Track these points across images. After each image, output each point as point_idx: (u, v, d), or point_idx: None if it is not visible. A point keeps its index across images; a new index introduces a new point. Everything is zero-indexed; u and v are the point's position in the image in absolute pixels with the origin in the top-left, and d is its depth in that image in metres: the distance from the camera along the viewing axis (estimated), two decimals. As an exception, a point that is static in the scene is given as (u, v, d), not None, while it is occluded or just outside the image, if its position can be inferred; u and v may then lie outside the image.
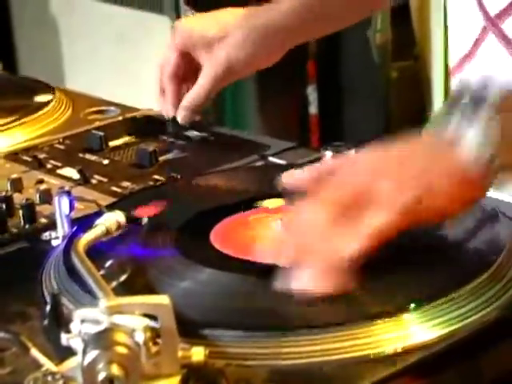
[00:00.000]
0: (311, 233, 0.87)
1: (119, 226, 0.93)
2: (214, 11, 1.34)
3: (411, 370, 0.77)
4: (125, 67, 3.29)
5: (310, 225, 0.87)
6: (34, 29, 3.80)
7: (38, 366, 0.76)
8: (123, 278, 0.88)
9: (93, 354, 0.69)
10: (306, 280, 0.83)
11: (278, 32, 1.28)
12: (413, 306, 0.80)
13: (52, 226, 1.01)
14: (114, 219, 0.93)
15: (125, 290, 0.85)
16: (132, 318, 0.73)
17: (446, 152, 0.88)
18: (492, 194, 0.95)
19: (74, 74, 3.60)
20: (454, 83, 1.28)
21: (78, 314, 0.74)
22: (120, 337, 0.70)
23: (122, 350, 0.69)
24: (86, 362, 0.69)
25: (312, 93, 3.04)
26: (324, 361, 0.77)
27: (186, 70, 1.29)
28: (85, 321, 0.73)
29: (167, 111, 1.29)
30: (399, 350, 0.77)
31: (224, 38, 1.26)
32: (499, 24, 1.15)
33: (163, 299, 0.74)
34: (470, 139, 0.87)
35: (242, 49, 1.26)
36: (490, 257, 0.86)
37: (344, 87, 3.10)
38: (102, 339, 0.70)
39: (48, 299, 0.85)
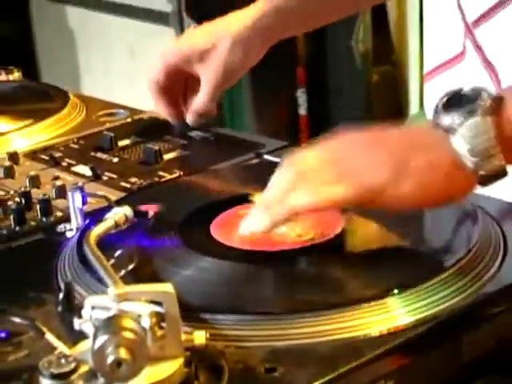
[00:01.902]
0: (274, 189, 0.86)
1: (127, 220, 0.91)
2: (204, 24, 1.32)
3: (396, 351, 0.74)
4: (135, 75, 3.28)
5: (274, 183, 0.87)
6: (54, 41, 3.78)
7: (53, 349, 0.74)
8: (131, 266, 0.86)
9: (102, 338, 0.66)
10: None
11: (262, 32, 1.25)
12: (396, 291, 0.78)
13: (66, 219, 0.99)
14: (122, 213, 0.91)
15: (132, 278, 0.83)
16: (139, 304, 0.70)
17: (437, 141, 0.83)
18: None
19: (90, 83, 3.59)
20: (428, 88, 1.26)
21: (89, 301, 0.71)
22: (127, 322, 0.68)
23: (129, 335, 0.67)
24: (96, 346, 0.66)
25: (301, 95, 3.06)
26: (316, 342, 0.75)
27: (174, 83, 1.27)
28: (95, 307, 0.71)
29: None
30: (384, 332, 0.75)
31: (215, 48, 1.24)
32: (473, 32, 1.13)
33: (167, 287, 0.71)
34: (468, 128, 0.81)
35: (234, 53, 1.24)
36: (465, 247, 0.84)
37: (330, 90, 3.11)
38: (111, 325, 0.67)
39: (62, 287, 0.83)
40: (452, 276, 0.80)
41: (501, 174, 0.82)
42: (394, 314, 0.77)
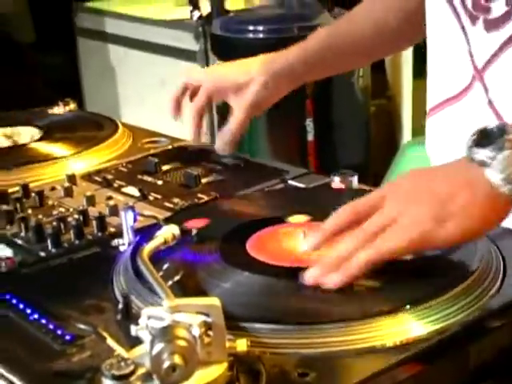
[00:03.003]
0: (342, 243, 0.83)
1: (174, 237, 0.89)
2: (237, 61, 1.32)
3: (410, 360, 0.73)
4: (166, 106, 3.28)
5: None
6: (97, 76, 3.79)
7: (112, 351, 0.73)
8: (178, 278, 0.84)
9: (159, 346, 0.65)
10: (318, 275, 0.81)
11: (290, 74, 1.27)
12: (410, 306, 0.76)
13: (119, 234, 0.97)
14: (170, 231, 0.89)
15: (178, 289, 0.81)
16: (189, 315, 0.69)
17: (474, 176, 0.83)
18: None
19: (127, 112, 3.58)
20: (430, 122, 1.25)
21: (146, 312, 0.70)
22: (180, 332, 0.67)
23: (182, 343, 0.66)
24: (153, 353, 0.65)
25: (309, 124, 3.07)
26: (341, 350, 0.73)
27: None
28: (151, 317, 0.70)
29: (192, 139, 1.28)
30: (400, 343, 0.74)
31: (250, 82, 1.24)
32: (483, 75, 1.11)
33: (214, 301, 0.71)
34: (499, 162, 0.81)
35: (265, 89, 1.24)
36: (470, 268, 0.83)
37: (335, 120, 3.12)
38: (166, 334, 0.66)
39: (119, 297, 0.81)
40: (459, 294, 0.79)
41: None
42: (408, 326, 0.75)
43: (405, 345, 0.74)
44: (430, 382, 0.75)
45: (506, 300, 0.80)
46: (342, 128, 3.13)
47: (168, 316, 0.69)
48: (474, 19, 1.10)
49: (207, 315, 0.70)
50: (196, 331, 0.68)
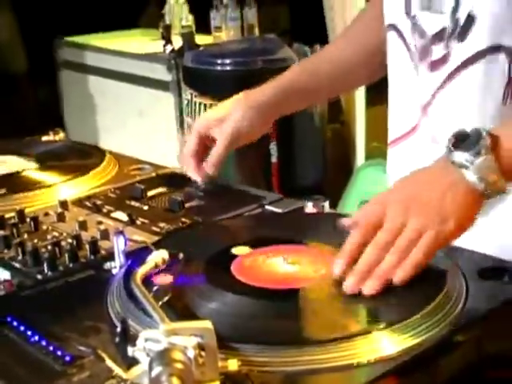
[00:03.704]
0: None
1: (164, 261, 0.87)
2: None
3: (387, 375, 0.71)
4: (143, 132, 3.25)
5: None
6: (78, 105, 3.75)
7: (110, 371, 0.70)
8: (167, 299, 0.82)
9: (157, 369, 0.63)
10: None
11: (266, 109, 1.25)
12: (384, 325, 0.75)
13: (110, 257, 0.94)
14: (160, 256, 0.87)
15: (169, 309, 0.78)
16: (184, 338, 0.67)
17: (455, 177, 0.87)
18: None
19: (106, 139, 3.54)
20: (391, 154, 1.24)
21: (143, 335, 0.68)
22: (177, 355, 0.65)
23: (179, 365, 0.64)
24: (152, 375, 0.63)
25: (273, 147, 3.07)
26: (322, 367, 0.72)
27: (202, 148, 1.24)
28: (148, 339, 0.68)
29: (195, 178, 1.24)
30: (377, 360, 0.73)
31: (228, 116, 1.23)
32: (427, 112, 1.12)
33: (207, 324, 0.69)
34: (476, 165, 0.86)
35: (242, 123, 1.23)
36: (440, 286, 0.82)
37: (295, 142, 3.13)
38: (164, 357, 0.64)
39: (115, 319, 0.79)
40: (429, 313, 0.78)
41: (502, 191, 0.89)
42: (384, 344, 0.74)
43: (383, 361, 0.72)
44: (404, 396, 0.73)
45: (470, 316, 0.79)
46: (301, 151, 3.14)
47: (164, 339, 0.67)
48: (421, 61, 1.11)
49: (200, 336, 0.68)
50: (191, 353, 0.66)
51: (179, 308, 0.80)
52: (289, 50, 3.14)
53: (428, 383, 0.75)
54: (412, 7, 1.12)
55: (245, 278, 0.85)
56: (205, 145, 1.23)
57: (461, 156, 0.87)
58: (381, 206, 0.88)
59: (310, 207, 1.04)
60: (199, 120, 1.28)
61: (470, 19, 1.03)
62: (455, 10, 1.04)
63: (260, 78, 3.28)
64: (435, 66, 1.08)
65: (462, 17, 1.04)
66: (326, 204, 1.05)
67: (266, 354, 0.72)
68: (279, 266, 0.88)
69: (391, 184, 1.25)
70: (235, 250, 0.92)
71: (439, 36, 1.07)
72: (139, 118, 3.36)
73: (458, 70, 1.06)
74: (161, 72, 3.32)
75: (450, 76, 1.07)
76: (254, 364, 0.71)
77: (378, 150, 3.28)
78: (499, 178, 0.87)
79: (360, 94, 3.28)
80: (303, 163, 3.17)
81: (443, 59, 1.07)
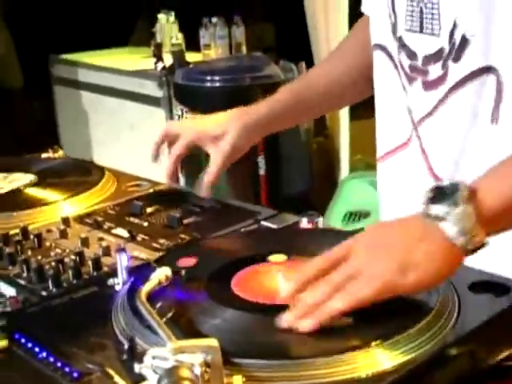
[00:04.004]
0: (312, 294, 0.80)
1: (167, 278, 0.86)
2: (213, 115, 1.30)
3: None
4: (135, 146, 3.24)
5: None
6: (71, 120, 3.73)
7: (118, 387, 0.69)
8: (170, 315, 0.80)
9: (166, 387, 0.62)
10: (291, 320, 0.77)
11: (260, 125, 1.26)
12: (381, 341, 0.74)
13: (113, 273, 0.93)
14: (163, 273, 0.86)
15: (173, 325, 0.77)
16: (191, 356, 0.66)
17: (430, 229, 0.80)
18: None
19: (100, 153, 3.52)
20: (380, 168, 1.24)
21: (151, 352, 0.67)
22: (185, 372, 0.64)
23: (187, 383, 0.63)
24: (161, 393, 0.62)
25: (261, 161, 3.08)
26: (325, 381, 0.71)
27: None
28: (156, 357, 0.67)
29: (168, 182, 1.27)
30: (374, 374, 0.72)
31: (225, 134, 1.23)
32: (418, 129, 1.11)
33: (213, 342, 0.68)
34: (455, 215, 0.79)
35: (239, 140, 1.23)
36: (433, 302, 0.81)
37: (282, 156, 3.14)
38: (172, 375, 0.64)
39: (120, 336, 0.78)
40: (423, 328, 0.76)
41: (483, 246, 0.81)
42: (381, 359, 0.73)
43: (380, 374, 0.72)
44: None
45: (463, 331, 0.78)
46: (288, 164, 3.15)
47: (171, 357, 0.66)
48: (411, 80, 1.11)
49: (206, 353, 0.67)
50: (198, 370, 0.65)
51: (179, 323, 0.79)
52: (275, 67, 3.15)
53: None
54: (398, 29, 1.11)
55: (243, 294, 0.84)
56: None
57: (437, 208, 0.80)
58: (346, 248, 0.82)
59: (304, 223, 1.04)
60: (190, 128, 1.27)
61: (465, 41, 1.02)
62: (452, 32, 1.03)
63: (248, 94, 3.30)
64: (431, 85, 1.07)
65: (457, 38, 1.03)
66: (320, 220, 1.04)
67: (269, 370, 0.71)
68: (279, 282, 0.87)
69: (382, 200, 1.25)
70: (271, 258, 0.92)
71: (436, 57, 1.06)
72: (131, 132, 3.35)
73: (453, 89, 1.05)
74: (152, 88, 3.32)
75: (447, 95, 1.06)
76: (258, 379, 0.70)
77: (361, 163, 3.28)
78: (479, 231, 0.80)
79: (344, 109, 3.28)
80: (290, 176, 3.17)
81: (441, 79, 1.06)
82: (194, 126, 1.32)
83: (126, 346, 0.70)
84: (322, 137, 3.63)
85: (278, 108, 1.26)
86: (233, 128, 1.22)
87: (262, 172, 3.08)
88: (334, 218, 2.77)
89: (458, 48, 1.03)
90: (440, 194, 0.81)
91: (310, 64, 3.19)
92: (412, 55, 1.10)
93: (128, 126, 3.36)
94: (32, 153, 1.51)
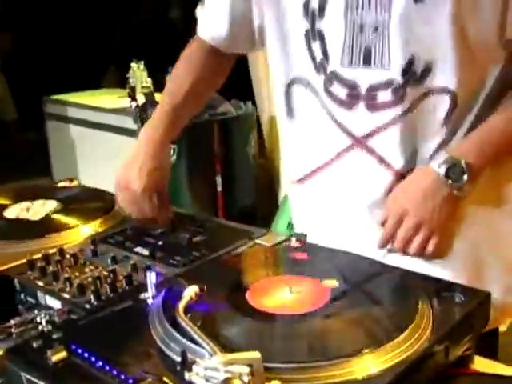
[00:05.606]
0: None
1: (196, 294, 0.81)
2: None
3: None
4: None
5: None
6: (61, 150, 3.61)
7: (171, 393, 0.64)
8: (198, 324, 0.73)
9: (224, 395, 0.57)
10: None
11: (165, 145, 1.20)
12: (369, 350, 0.70)
13: (143, 287, 0.86)
14: (193, 290, 0.81)
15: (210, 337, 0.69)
16: (238, 367, 0.62)
17: (441, 183, 0.95)
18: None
19: (87, 179, 3.41)
20: (305, 188, 1.13)
21: (203, 364, 0.62)
22: (237, 382, 0.59)
23: (240, 391, 0.58)
24: (221, 400, 0.57)
25: (218, 179, 3.04)
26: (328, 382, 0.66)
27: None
28: (207, 368, 0.62)
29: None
30: (370, 376, 0.67)
31: (156, 169, 1.18)
32: (366, 142, 1.00)
33: (256, 354, 0.63)
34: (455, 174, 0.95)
35: (166, 166, 1.19)
36: (411, 316, 0.76)
37: (235, 176, 3.11)
38: (228, 384, 0.59)
39: (162, 346, 0.72)
40: (406, 336, 0.73)
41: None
42: (370, 364, 0.69)
43: (376, 376, 0.68)
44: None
45: (440, 331, 0.76)
46: (239, 182, 3.12)
47: (222, 368, 0.61)
48: (349, 105, 0.99)
49: (250, 364, 0.62)
50: (246, 378, 0.61)
51: (206, 330, 0.71)
52: (228, 105, 3.11)
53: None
54: (331, 63, 0.98)
55: (257, 305, 0.79)
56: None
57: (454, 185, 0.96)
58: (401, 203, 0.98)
59: (293, 241, 0.99)
60: (139, 183, 1.16)
61: (427, 70, 0.93)
62: (410, 64, 0.92)
63: (206, 128, 3.27)
64: (379, 107, 0.97)
65: (418, 70, 0.93)
66: (307, 239, 1.00)
67: (294, 372, 0.66)
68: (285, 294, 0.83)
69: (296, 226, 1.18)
70: (326, 282, 0.83)
71: (385, 86, 0.95)
72: (115, 161, 3.26)
73: (408, 110, 0.96)
74: (130, 122, 3.24)
75: (399, 114, 0.96)
76: (295, 381, 0.66)
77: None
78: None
79: (281, 136, 3.26)
80: (240, 192, 3.15)
81: (392, 102, 0.96)
82: (140, 178, 1.19)
83: (179, 359, 0.65)
84: (263, 159, 3.60)
85: (169, 124, 1.18)
86: (155, 160, 1.17)
87: (219, 189, 3.04)
88: (279, 228, 2.72)
89: (419, 78, 0.93)
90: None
91: (254, 102, 3.19)
92: (351, 86, 0.97)
93: (111, 155, 3.27)
94: (28, 179, 1.43)
